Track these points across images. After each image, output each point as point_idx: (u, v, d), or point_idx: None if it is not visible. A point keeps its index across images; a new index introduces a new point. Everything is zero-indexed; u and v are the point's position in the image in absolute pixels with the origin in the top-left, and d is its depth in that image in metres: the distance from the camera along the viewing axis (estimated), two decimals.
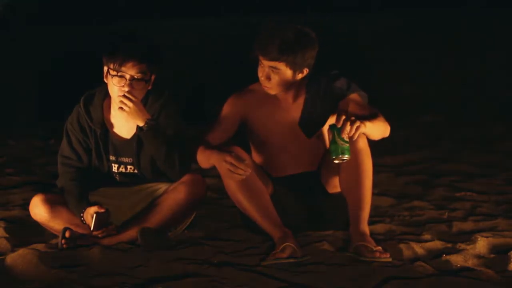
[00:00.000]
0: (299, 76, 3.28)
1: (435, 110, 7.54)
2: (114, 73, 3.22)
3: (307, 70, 3.29)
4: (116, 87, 3.24)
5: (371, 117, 3.14)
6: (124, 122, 3.38)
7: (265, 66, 3.24)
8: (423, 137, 6.31)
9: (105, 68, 3.29)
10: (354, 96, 3.31)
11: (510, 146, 5.79)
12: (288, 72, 3.24)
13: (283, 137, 3.40)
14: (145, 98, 3.35)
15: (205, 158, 3.28)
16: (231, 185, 3.23)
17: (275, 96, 3.37)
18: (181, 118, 3.43)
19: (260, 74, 3.28)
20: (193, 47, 15.36)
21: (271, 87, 3.28)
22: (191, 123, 3.65)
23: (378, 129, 3.17)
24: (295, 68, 3.24)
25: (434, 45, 13.64)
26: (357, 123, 2.99)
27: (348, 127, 2.98)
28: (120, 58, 3.20)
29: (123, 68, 3.21)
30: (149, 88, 3.32)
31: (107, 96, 3.38)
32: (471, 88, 9.15)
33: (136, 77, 3.23)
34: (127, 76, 3.22)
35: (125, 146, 3.39)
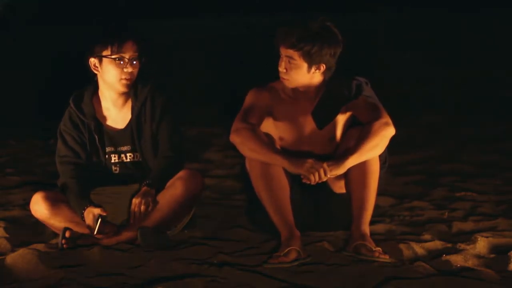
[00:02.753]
0: (316, 72, 3.28)
1: (435, 110, 7.53)
2: (115, 55, 3.30)
3: (324, 66, 3.27)
4: (117, 70, 3.31)
5: (358, 144, 3.16)
6: (117, 114, 3.44)
7: (282, 55, 3.26)
8: (423, 137, 6.31)
9: (94, 60, 3.35)
10: (363, 99, 3.32)
11: (510, 146, 5.78)
12: (303, 65, 3.24)
13: (298, 137, 3.39)
14: (134, 87, 3.41)
15: (265, 157, 3.20)
16: (256, 170, 3.23)
17: (294, 96, 3.37)
18: (172, 108, 3.47)
19: (279, 65, 3.30)
20: (192, 47, 15.37)
21: (288, 78, 3.28)
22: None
23: (366, 155, 3.18)
24: (311, 61, 3.23)
25: (434, 44, 13.65)
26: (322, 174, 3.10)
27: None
28: (119, 40, 3.31)
29: (122, 49, 3.30)
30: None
31: (95, 93, 3.45)
32: (471, 88, 9.14)
33: (134, 56, 3.33)
34: (127, 56, 3.31)
35: (121, 135, 3.43)
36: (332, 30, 3.26)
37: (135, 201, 3.29)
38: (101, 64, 3.34)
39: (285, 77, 3.29)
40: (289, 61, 3.25)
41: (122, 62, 3.31)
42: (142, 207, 3.27)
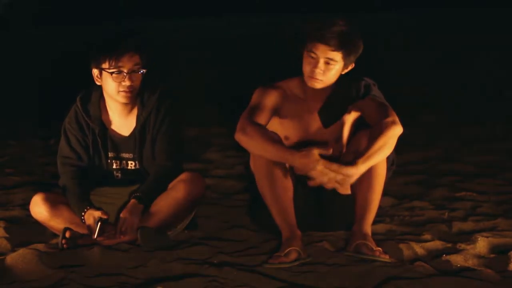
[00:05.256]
0: (345, 70, 3.29)
1: (435, 110, 7.53)
2: (113, 70, 3.24)
3: (352, 66, 3.30)
4: (115, 83, 3.26)
5: (369, 147, 3.11)
6: (123, 120, 3.41)
7: (319, 58, 3.21)
8: (423, 137, 6.31)
9: (95, 71, 3.31)
10: (371, 98, 3.32)
11: (510, 146, 5.78)
12: (340, 64, 3.24)
13: (304, 136, 3.37)
14: (141, 95, 3.37)
15: (273, 155, 3.14)
16: (261, 169, 3.21)
17: (303, 95, 3.36)
18: (178, 113, 3.45)
19: (309, 67, 3.24)
20: (193, 47, 15.36)
21: (323, 79, 3.25)
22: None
23: (378, 156, 3.13)
24: (347, 61, 3.24)
25: (434, 44, 13.65)
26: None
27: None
28: (115, 53, 3.23)
29: (120, 63, 3.23)
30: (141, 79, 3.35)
31: (102, 95, 3.41)
32: (471, 88, 9.14)
33: (134, 69, 3.26)
34: (125, 70, 3.25)
35: (125, 142, 3.41)
36: (356, 27, 3.27)
37: (122, 216, 3.26)
38: (101, 76, 3.30)
39: (321, 78, 3.24)
40: (328, 62, 3.22)
41: (120, 76, 3.25)
42: (128, 227, 3.24)
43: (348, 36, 3.20)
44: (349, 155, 3.23)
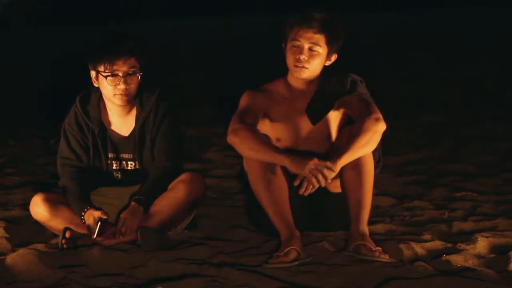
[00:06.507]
0: (328, 62, 3.32)
1: (435, 110, 7.53)
2: (108, 73, 3.24)
3: (335, 57, 3.32)
4: (110, 86, 3.27)
5: (350, 142, 3.13)
6: (122, 121, 3.42)
7: (303, 44, 3.24)
8: (423, 137, 6.31)
9: (93, 73, 3.32)
10: (356, 95, 3.32)
11: (510, 146, 5.78)
12: (324, 51, 3.26)
13: (295, 137, 3.38)
14: (139, 96, 3.37)
15: (265, 155, 3.15)
16: (254, 170, 3.21)
17: (290, 96, 3.37)
18: (177, 113, 3.45)
19: (294, 56, 3.27)
20: (193, 47, 15.36)
21: (308, 67, 3.27)
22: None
23: (359, 151, 3.15)
24: (330, 48, 3.27)
25: (434, 44, 13.65)
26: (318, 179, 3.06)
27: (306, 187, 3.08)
28: (110, 57, 3.23)
29: (115, 67, 3.24)
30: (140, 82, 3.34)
31: (101, 96, 3.41)
32: (471, 88, 9.15)
33: (129, 72, 3.26)
34: (121, 73, 3.25)
35: (124, 142, 3.42)
36: (338, 18, 3.32)
37: (122, 219, 3.26)
38: (98, 78, 3.32)
39: (306, 65, 3.26)
40: (311, 48, 3.25)
41: (115, 79, 3.26)
42: (127, 228, 3.23)
43: (330, 20, 3.26)
44: (332, 152, 3.23)
